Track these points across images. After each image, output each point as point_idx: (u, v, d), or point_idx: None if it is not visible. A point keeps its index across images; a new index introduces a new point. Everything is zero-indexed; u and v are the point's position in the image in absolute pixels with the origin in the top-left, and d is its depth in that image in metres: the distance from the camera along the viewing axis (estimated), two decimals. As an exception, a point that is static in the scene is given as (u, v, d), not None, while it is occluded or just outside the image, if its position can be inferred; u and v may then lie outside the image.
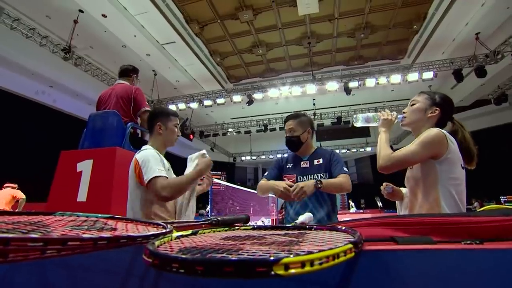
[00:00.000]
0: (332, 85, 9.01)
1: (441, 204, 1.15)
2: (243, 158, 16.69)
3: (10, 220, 0.43)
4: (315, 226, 0.54)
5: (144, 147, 1.52)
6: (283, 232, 0.52)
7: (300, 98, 10.37)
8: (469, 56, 7.84)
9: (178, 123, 1.60)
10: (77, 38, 7.07)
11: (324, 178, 1.75)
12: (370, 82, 8.48)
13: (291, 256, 0.25)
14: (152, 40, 7.76)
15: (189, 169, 1.46)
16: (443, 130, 1.21)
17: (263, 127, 12.88)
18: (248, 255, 0.28)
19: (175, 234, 0.44)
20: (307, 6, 7.14)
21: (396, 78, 8.18)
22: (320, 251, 0.27)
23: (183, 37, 7.99)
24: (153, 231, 0.42)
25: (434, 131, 1.19)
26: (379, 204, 10.23)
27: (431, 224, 0.44)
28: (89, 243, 0.30)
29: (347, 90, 8.94)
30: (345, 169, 1.81)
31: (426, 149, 1.16)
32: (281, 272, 0.23)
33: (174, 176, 1.56)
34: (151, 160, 1.38)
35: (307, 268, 0.25)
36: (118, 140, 1.90)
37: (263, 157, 16.27)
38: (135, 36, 7.34)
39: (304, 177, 1.79)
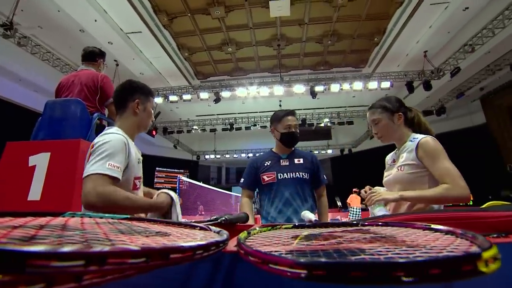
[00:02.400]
0: (299, 88, 9.29)
1: (431, 205, 1.22)
2: (207, 156, 16.38)
3: (19, 223, 0.33)
4: (382, 222, 0.49)
5: (110, 129, 1.16)
6: (350, 228, 0.48)
7: (267, 99, 10.50)
8: (419, 70, 8.75)
9: (154, 106, 1.39)
10: (22, 14, 6.22)
11: (305, 178, 1.79)
12: (334, 87, 8.94)
13: (485, 250, 0.21)
14: (116, 28, 7.18)
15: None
16: (432, 137, 1.31)
17: (229, 126, 12.78)
18: (392, 254, 0.24)
19: (242, 236, 0.38)
20: (279, 9, 7.26)
21: (358, 85, 8.75)
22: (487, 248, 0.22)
23: (150, 28, 7.54)
24: (217, 236, 0.34)
25: (432, 141, 1.26)
26: (339, 203, 10.82)
27: (460, 218, 0.45)
28: (189, 254, 0.24)
29: (313, 94, 9.30)
30: (324, 176, 1.92)
31: (447, 158, 1.23)
32: (484, 269, 0.19)
33: (140, 171, 1.25)
34: (112, 149, 1.05)
35: (497, 264, 0.21)
36: (82, 132, 1.69)
37: (227, 156, 16.14)
38: (95, 20, 6.72)
39: (285, 174, 1.79)
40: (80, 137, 1.63)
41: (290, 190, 1.75)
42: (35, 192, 1.48)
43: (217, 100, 9.86)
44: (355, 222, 0.53)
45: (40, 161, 1.53)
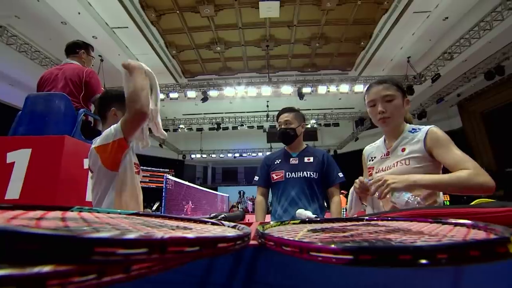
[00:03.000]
0: (287, 89, 9.37)
1: (438, 200, 1.14)
2: (193, 156, 16.17)
3: (38, 215, 0.31)
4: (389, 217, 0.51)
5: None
6: (359, 223, 0.49)
7: (255, 99, 10.51)
8: (402, 75, 9.05)
9: None
10: (-5, 1, 5.90)
11: (313, 178, 1.75)
12: (322, 89, 9.08)
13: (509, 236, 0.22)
14: (101, 22, 6.95)
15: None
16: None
17: (215, 125, 12.69)
18: (422, 242, 0.25)
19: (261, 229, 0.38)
20: (268, 10, 7.30)
21: (344, 87, 8.94)
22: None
23: (137, 24, 7.36)
24: (233, 231, 0.35)
25: (440, 129, 1.16)
26: (324, 204, 10.98)
27: (462, 214, 0.47)
28: (232, 244, 0.24)
29: (300, 95, 9.41)
30: (341, 174, 1.83)
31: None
32: None
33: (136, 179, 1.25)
34: (107, 131, 1.13)
35: None
36: (66, 128, 1.62)
37: (213, 155, 16.01)
38: (79, 13, 6.47)
39: (293, 173, 1.76)
40: (65, 133, 1.57)
41: (297, 189, 1.72)
42: (13, 190, 1.40)
43: (205, 99, 9.77)
44: (360, 217, 0.53)
45: (19, 158, 1.45)
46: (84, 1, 6.34)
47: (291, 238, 0.30)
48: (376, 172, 1.28)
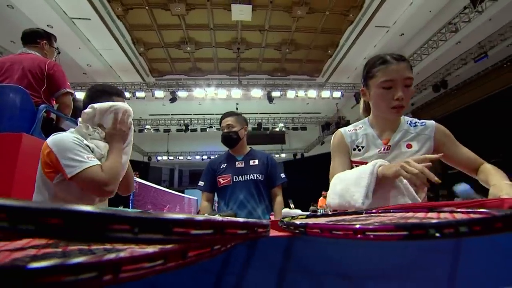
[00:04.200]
0: (257, 92, 9.48)
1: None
2: (159, 158, 15.50)
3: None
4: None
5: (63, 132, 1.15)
6: (362, 216, 0.53)
7: (224, 101, 10.46)
8: (365, 83, 9.71)
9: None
10: None
11: (260, 179, 1.81)
12: (290, 93, 9.35)
13: None
14: (58, 10, 6.36)
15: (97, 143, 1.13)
16: None
17: (183, 127, 12.35)
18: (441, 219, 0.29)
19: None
20: (240, 13, 7.33)
21: (312, 93, 9.30)
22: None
23: (102, 16, 6.87)
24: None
25: (440, 125, 1.10)
26: (292, 205, 11.24)
27: (458, 205, 0.53)
28: (265, 229, 0.27)
29: (270, 99, 9.58)
30: (283, 175, 1.93)
31: None
32: None
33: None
34: (73, 146, 1.02)
35: None
36: (24, 124, 1.45)
37: (180, 157, 15.52)
38: (31, -2, 5.86)
39: (240, 176, 1.80)
40: (22, 131, 1.41)
41: (245, 192, 1.76)
42: (-42, 194, 1.23)
43: (173, 99, 9.47)
44: (357, 211, 0.57)
45: (-34, 158, 1.27)
46: (39, -14, 5.78)
47: (340, 224, 0.33)
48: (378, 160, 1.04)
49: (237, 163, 1.86)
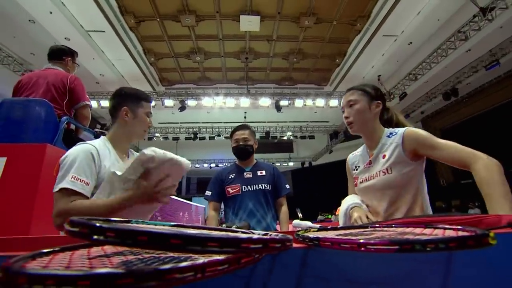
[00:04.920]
0: (265, 101, 9.56)
1: (426, 212, 1.11)
2: (168, 165, 15.66)
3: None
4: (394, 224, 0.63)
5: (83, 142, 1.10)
6: (367, 230, 0.58)
7: (233, 110, 10.58)
8: (373, 92, 9.68)
9: (151, 111, 1.26)
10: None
11: (268, 189, 1.88)
12: (298, 102, 9.39)
13: (489, 232, 0.33)
14: (75, 24, 6.64)
15: (122, 183, 0.99)
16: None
17: (192, 135, 12.50)
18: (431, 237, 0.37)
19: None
20: (249, 24, 7.49)
21: (320, 102, 9.32)
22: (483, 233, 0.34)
23: (115, 28, 7.14)
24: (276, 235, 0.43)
25: (417, 128, 1.11)
26: (300, 215, 11.14)
27: (455, 220, 0.58)
28: (289, 244, 0.34)
29: (278, 107, 9.64)
30: (287, 186, 2.01)
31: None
32: (492, 242, 0.32)
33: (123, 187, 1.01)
34: (74, 161, 0.98)
35: (495, 241, 0.33)
36: (47, 136, 1.52)
37: (189, 165, 15.65)
38: (51, 13, 6.13)
39: (249, 186, 1.86)
40: (46, 142, 1.48)
41: (254, 201, 1.81)
42: (-14, 203, 1.29)
43: (182, 108, 9.63)
44: (364, 225, 0.63)
45: (-7, 167, 1.34)
46: (57, 0, 6.05)
47: (347, 238, 0.40)
48: (360, 182, 1.23)
49: (245, 173, 1.92)
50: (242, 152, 1.92)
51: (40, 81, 1.75)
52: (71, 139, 1.72)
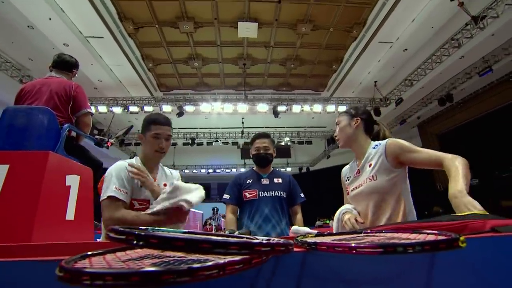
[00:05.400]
0: (263, 107, 9.62)
1: (409, 214, 1.23)
2: (165, 171, 15.59)
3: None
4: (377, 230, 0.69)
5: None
6: (359, 236, 0.65)
7: (231, 115, 10.62)
8: (370, 98, 9.79)
9: (158, 132, 1.41)
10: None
11: (283, 197, 1.94)
12: (296, 108, 9.46)
13: (459, 236, 0.39)
14: (74, 30, 6.67)
15: (159, 204, 1.26)
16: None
17: (190, 141, 12.49)
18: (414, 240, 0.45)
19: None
20: (247, 30, 7.58)
21: (317, 107, 9.40)
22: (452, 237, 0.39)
23: (114, 35, 7.18)
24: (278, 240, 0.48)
25: (395, 139, 1.27)
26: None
27: (442, 226, 0.64)
28: (291, 248, 0.41)
29: (276, 113, 9.69)
30: (302, 195, 2.08)
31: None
32: (462, 245, 0.38)
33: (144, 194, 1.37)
34: (111, 175, 1.30)
35: (465, 244, 0.39)
36: (49, 143, 1.54)
37: (186, 171, 15.59)
38: (50, 19, 6.16)
39: (266, 192, 1.91)
40: (48, 149, 1.49)
41: (270, 207, 1.86)
42: (-12, 210, 1.29)
43: (180, 114, 9.65)
44: (357, 231, 0.70)
45: (-5, 175, 1.35)
46: (57, 7, 6.08)
47: (341, 243, 0.47)
48: (351, 190, 1.41)
49: (262, 180, 1.99)
50: (263, 160, 2.00)
51: (43, 89, 1.77)
52: (71, 146, 1.73)
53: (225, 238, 0.50)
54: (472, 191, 0.98)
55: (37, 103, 1.71)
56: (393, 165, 1.24)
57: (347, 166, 1.52)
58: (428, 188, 10.37)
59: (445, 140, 10.82)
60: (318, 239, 0.59)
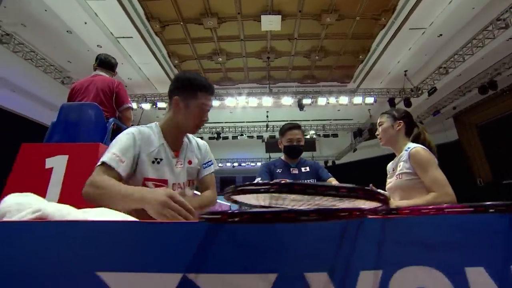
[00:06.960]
0: (287, 100, 9.54)
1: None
2: (191, 165, 16.10)
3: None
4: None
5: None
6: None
7: (255, 109, 10.67)
8: (400, 88, 9.31)
9: (207, 103, 1.13)
10: (4, 10, 5.97)
11: (312, 183, 1.95)
12: (321, 100, 9.27)
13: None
14: (106, 32, 7.07)
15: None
16: (422, 147, 1.47)
17: (215, 135, 12.75)
18: None
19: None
20: (270, 23, 7.53)
21: (344, 99, 9.14)
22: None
23: (142, 34, 7.50)
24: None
25: (422, 151, 1.43)
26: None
27: None
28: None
29: (301, 106, 9.57)
30: (329, 174, 2.10)
31: (437, 166, 1.41)
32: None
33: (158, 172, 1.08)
34: (117, 141, 1.03)
35: None
36: (97, 136, 1.69)
37: (212, 165, 15.97)
38: (85, 23, 6.58)
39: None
40: (97, 141, 1.64)
41: None
42: (52, 195, 1.46)
43: (206, 108, 9.88)
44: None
45: (57, 164, 1.52)
46: (91, 11, 6.47)
47: (424, 206, 0.56)
48: (387, 184, 1.61)
49: (291, 169, 2.04)
50: (296, 151, 2.04)
51: (90, 87, 1.95)
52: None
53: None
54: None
55: (86, 99, 1.89)
56: (414, 171, 1.43)
57: (391, 162, 1.67)
58: (465, 182, 9.74)
59: (485, 133, 10.02)
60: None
